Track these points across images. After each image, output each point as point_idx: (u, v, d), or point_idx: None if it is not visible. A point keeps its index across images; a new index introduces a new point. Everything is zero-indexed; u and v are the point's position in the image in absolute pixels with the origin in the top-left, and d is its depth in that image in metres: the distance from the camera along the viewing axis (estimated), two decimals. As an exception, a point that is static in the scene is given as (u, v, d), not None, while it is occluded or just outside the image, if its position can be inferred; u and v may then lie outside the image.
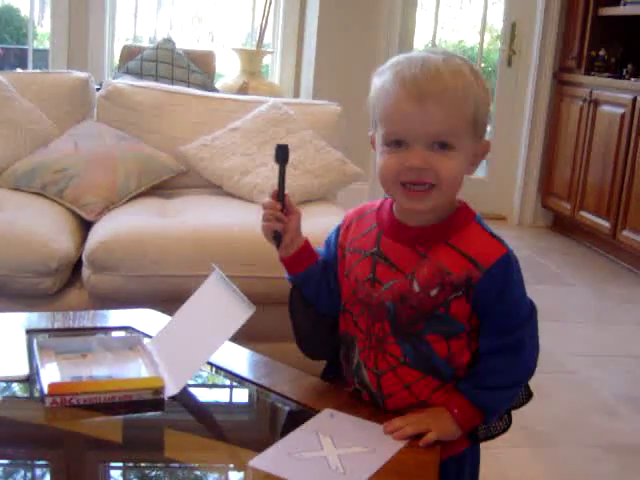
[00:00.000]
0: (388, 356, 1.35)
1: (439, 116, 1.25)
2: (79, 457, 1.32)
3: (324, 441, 1.28)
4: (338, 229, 1.46)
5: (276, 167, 1.39)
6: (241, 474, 1.31)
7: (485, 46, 6.13)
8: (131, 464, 1.31)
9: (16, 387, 1.47)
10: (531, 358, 1.37)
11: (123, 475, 1.29)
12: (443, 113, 1.25)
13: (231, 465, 1.32)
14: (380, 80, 1.30)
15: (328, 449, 1.26)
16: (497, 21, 5.68)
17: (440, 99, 1.24)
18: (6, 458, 1.27)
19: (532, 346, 1.37)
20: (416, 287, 1.31)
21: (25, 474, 1.25)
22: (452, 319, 1.32)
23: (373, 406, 1.40)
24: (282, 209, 1.38)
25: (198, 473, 1.28)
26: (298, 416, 1.35)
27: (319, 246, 1.48)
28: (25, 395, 1.48)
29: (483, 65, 6.32)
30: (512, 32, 5.56)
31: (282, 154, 1.38)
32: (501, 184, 5.68)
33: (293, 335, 1.50)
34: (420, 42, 5.67)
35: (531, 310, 1.37)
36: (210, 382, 1.54)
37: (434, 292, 1.30)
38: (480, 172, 5.82)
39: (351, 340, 1.41)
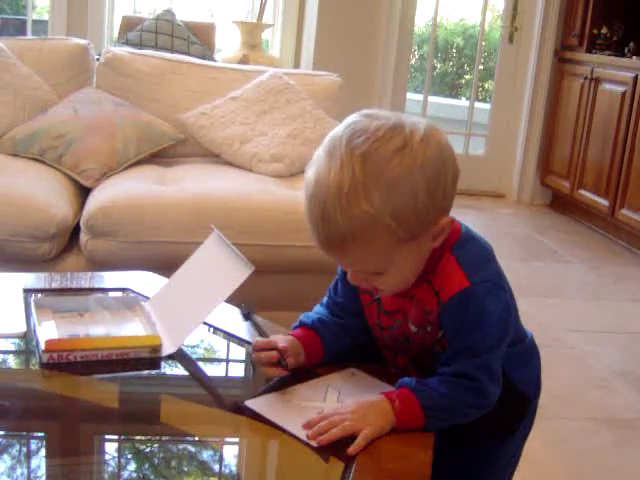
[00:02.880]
0: (412, 374, 1.33)
1: (348, 261, 1.22)
2: (74, 424, 1.31)
3: (330, 394, 1.28)
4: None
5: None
6: (237, 444, 1.32)
7: (487, 25, 6.10)
8: (127, 432, 1.30)
9: (12, 346, 1.47)
10: (484, 392, 1.26)
11: (118, 443, 1.28)
12: (350, 259, 1.20)
13: (227, 433, 1.31)
14: (304, 184, 1.19)
15: (329, 402, 1.26)
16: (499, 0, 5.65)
17: (342, 249, 1.17)
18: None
19: (489, 380, 1.25)
20: (413, 327, 1.32)
21: (20, 440, 1.24)
22: None
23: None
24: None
25: (192, 439, 1.27)
26: (292, 375, 1.34)
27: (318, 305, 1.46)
28: (21, 355, 1.48)
29: (484, 44, 6.28)
30: (514, 9, 5.53)
31: (247, 312, 1.54)
32: (500, 162, 5.67)
33: None
34: (421, 19, 5.64)
35: (498, 342, 1.26)
36: (207, 342, 1.54)
37: (429, 329, 1.30)
38: (479, 149, 5.81)
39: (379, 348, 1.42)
